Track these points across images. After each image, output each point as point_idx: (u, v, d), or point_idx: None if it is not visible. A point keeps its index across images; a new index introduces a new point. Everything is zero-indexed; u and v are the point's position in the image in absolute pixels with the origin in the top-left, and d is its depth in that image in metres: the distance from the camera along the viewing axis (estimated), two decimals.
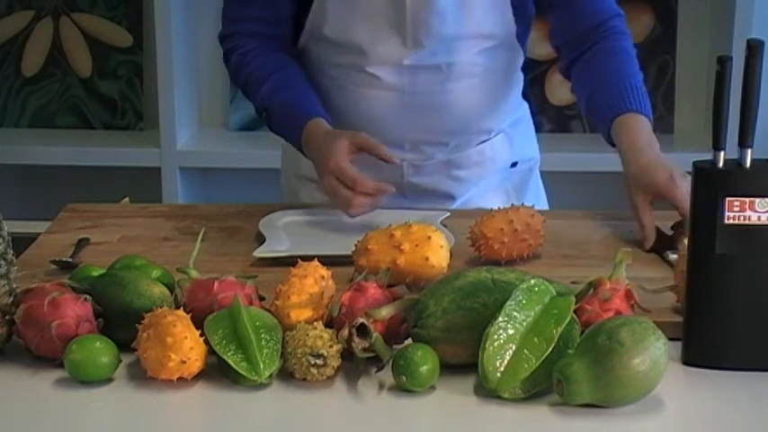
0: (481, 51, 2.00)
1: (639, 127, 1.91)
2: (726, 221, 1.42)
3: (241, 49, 2.05)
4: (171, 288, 1.57)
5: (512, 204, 1.80)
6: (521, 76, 2.14)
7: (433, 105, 2.02)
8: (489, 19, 1.98)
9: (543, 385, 1.37)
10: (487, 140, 2.10)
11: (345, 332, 1.42)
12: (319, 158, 1.90)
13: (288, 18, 2.04)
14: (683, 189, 1.80)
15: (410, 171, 2.07)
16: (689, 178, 1.71)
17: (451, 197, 2.10)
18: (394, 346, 1.44)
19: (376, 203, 1.87)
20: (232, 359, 1.40)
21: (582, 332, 1.40)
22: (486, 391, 1.37)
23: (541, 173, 2.28)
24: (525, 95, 2.21)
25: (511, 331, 1.38)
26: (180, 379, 1.41)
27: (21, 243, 1.69)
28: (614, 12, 2.04)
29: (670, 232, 1.85)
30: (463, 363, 1.42)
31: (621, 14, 2.04)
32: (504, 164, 2.14)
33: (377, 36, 1.97)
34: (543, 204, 2.23)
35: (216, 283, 1.50)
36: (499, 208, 1.79)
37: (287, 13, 2.03)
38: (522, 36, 2.05)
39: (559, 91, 3.30)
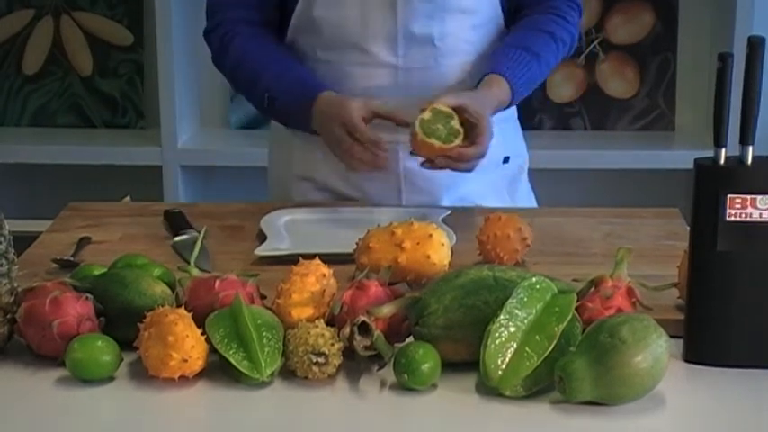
0: (471, 27, 2.04)
1: (497, 86, 1.95)
2: (727, 219, 1.42)
3: (239, 37, 2.04)
4: (172, 287, 1.57)
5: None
6: None
7: (427, 83, 2.02)
8: None
9: (545, 383, 1.37)
10: None
11: (347, 330, 1.42)
12: (330, 112, 1.91)
13: (274, 4, 2.06)
14: (487, 116, 1.87)
15: (406, 155, 2.07)
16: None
17: (447, 186, 2.10)
18: (395, 345, 1.44)
19: (376, 162, 1.89)
20: (234, 357, 1.40)
21: (583, 330, 1.40)
22: (488, 389, 1.37)
23: (543, 170, 2.28)
24: None
25: (512, 329, 1.38)
26: (181, 377, 1.41)
27: (22, 242, 1.69)
28: None
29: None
30: (464, 361, 1.42)
31: (577, 3, 2.08)
32: (496, 157, 2.14)
33: (369, 7, 1.99)
34: (532, 203, 2.24)
35: (217, 282, 1.50)
36: (502, 216, 1.75)
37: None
38: (508, 23, 2.10)
39: (560, 88, 3.29)
